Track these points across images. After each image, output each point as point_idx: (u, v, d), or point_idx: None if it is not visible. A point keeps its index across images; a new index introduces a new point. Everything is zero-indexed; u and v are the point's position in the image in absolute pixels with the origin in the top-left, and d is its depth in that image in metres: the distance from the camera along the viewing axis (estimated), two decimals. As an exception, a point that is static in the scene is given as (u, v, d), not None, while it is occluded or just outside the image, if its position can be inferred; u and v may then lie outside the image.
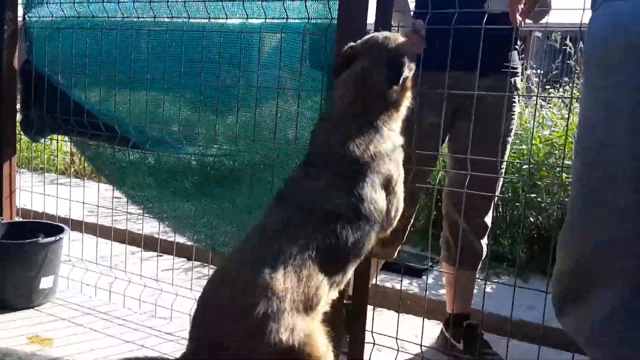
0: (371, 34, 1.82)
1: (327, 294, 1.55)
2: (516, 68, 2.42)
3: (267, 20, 2.13)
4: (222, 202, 2.38)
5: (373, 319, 2.12)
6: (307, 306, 1.48)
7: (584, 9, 1.37)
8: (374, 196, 1.59)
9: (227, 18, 2.21)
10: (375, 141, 1.63)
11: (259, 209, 2.08)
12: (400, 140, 1.73)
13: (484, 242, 2.49)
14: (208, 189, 2.38)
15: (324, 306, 1.57)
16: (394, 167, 1.66)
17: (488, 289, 3.24)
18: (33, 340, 2.32)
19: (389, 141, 1.67)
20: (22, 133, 2.92)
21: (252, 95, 2.16)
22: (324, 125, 1.77)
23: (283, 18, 2.08)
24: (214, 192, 2.37)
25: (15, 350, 2.22)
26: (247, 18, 2.16)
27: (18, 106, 2.91)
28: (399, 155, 1.71)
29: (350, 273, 1.65)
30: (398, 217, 1.73)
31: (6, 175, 2.91)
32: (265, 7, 2.10)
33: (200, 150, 2.40)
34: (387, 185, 1.63)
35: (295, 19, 2.07)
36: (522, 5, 1.73)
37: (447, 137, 2.49)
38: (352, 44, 1.79)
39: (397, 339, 2.09)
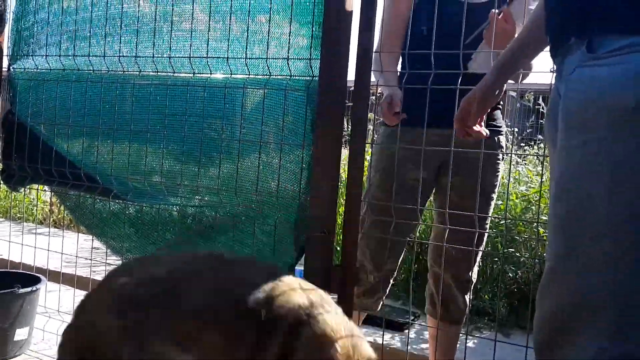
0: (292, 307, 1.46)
1: None
2: (500, 126, 2.49)
3: (251, 76, 2.18)
4: (202, 254, 2.37)
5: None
6: None
7: (553, 71, 1.43)
8: None
9: (211, 73, 2.27)
10: None
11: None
12: None
13: (467, 297, 2.50)
14: (189, 240, 2.38)
15: None
16: None
17: (469, 344, 3.23)
18: (3, 396, 2.27)
19: None
20: (1, 182, 2.91)
21: (234, 148, 2.20)
22: None
23: (266, 74, 2.14)
24: (195, 243, 2.36)
25: (-15, 406, 2.17)
26: (231, 74, 2.22)
27: (-1, 156, 2.91)
28: None
29: None
30: None
31: (-17, 225, 2.88)
32: (249, 64, 2.16)
33: (182, 202, 2.41)
34: None
35: (278, 75, 2.13)
36: (473, 125, 1.77)
37: (433, 192, 2.53)
38: None
39: (376, 394, 2.07)
